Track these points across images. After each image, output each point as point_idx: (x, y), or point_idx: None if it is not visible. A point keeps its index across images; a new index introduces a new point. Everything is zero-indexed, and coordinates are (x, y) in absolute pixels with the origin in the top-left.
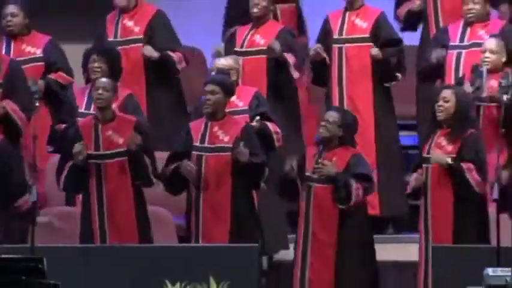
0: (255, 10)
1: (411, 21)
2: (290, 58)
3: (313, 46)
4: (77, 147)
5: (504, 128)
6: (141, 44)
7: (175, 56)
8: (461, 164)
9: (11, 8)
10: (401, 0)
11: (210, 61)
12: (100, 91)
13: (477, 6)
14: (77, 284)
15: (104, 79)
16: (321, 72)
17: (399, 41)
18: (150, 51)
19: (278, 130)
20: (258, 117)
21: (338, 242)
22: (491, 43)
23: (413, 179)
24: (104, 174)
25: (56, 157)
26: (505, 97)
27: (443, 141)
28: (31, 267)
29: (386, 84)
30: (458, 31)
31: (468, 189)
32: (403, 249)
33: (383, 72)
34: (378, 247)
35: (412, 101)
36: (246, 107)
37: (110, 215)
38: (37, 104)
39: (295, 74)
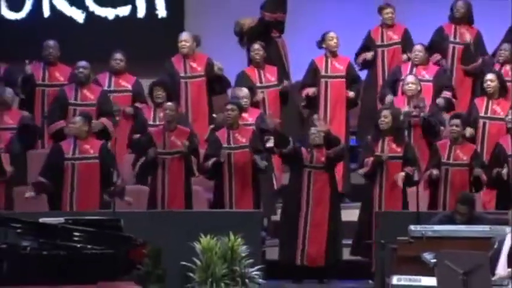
0: (257, 58)
1: (366, 65)
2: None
3: (309, 90)
4: (152, 149)
5: (424, 134)
6: (203, 78)
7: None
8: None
9: (120, 55)
10: (359, 52)
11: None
12: (168, 110)
13: (421, 54)
14: (143, 236)
15: (170, 103)
16: (311, 101)
17: (360, 80)
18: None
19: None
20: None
21: (330, 207)
22: (411, 78)
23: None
24: (167, 165)
25: (130, 154)
26: (422, 114)
27: (393, 145)
28: (112, 225)
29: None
30: (408, 70)
31: (412, 181)
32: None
33: (351, 103)
34: None
35: (355, 116)
36: (253, 122)
37: (169, 192)
38: (117, 118)
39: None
